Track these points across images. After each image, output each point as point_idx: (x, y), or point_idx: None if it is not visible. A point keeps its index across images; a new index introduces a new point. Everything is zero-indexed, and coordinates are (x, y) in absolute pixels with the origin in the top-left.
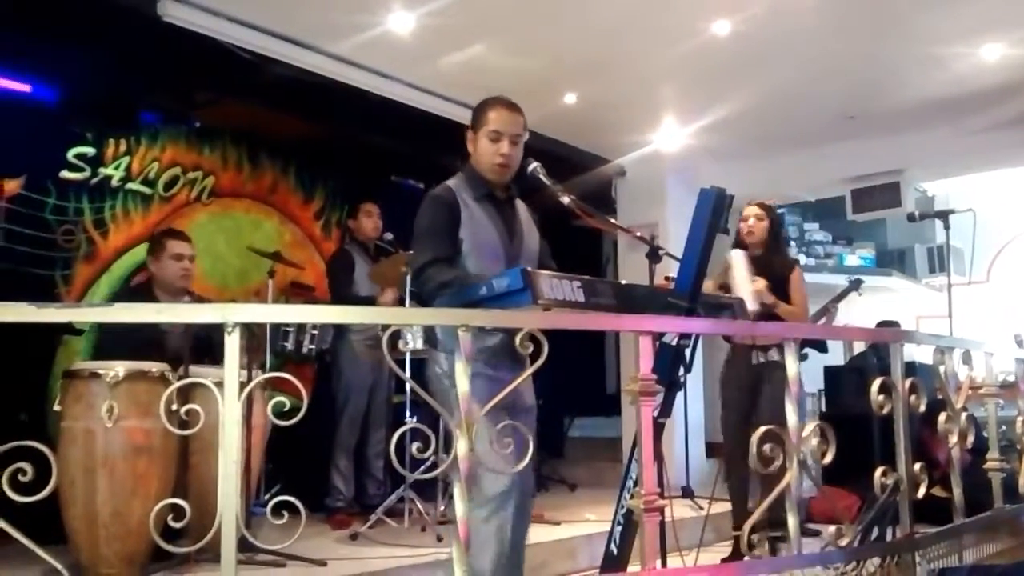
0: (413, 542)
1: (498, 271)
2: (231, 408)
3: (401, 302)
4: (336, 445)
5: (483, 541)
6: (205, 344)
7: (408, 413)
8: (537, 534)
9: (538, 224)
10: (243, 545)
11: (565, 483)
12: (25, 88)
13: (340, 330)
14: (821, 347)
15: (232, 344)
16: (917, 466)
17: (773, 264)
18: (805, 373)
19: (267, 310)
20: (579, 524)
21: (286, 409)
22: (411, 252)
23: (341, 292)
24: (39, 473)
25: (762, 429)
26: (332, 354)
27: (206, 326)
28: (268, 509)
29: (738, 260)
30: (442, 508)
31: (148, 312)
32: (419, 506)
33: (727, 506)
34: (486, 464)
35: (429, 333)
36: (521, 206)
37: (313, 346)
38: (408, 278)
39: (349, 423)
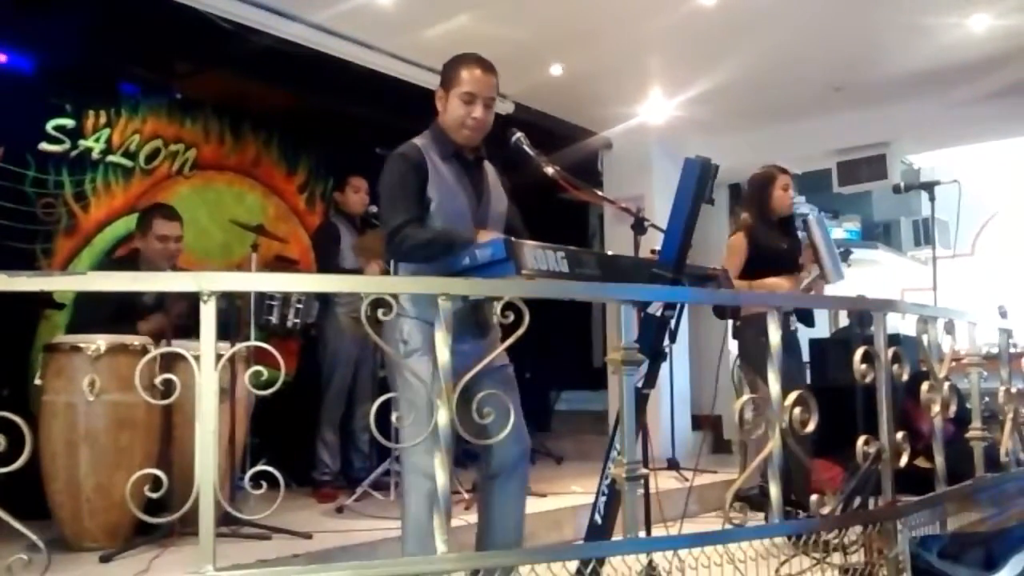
0: (399, 515)
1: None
2: (208, 378)
3: (386, 275)
4: (322, 419)
5: (409, 508)
6: (193, 320)
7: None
8: None
9: (507, 188)
10: (227, 518)
11: (552, 456)
12: (1, 58)
13: (325, 304)
14: (808, 321)
15: (208, 313)
16: (899, 435)
17: None
18: None
19: (242, 278)
20: (565, 496)
21: (263, 379)
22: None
23: (328, 264)
24: (19, 447)
25: (746, 396)
26: (318, 328)
27: (195, 302)
28: (247, 478)
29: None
30: None
31: (123, 281)
32: None
33: (712, 478)
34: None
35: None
36: (489, 168)
37: (298, 320)
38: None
39: (335, 397)
